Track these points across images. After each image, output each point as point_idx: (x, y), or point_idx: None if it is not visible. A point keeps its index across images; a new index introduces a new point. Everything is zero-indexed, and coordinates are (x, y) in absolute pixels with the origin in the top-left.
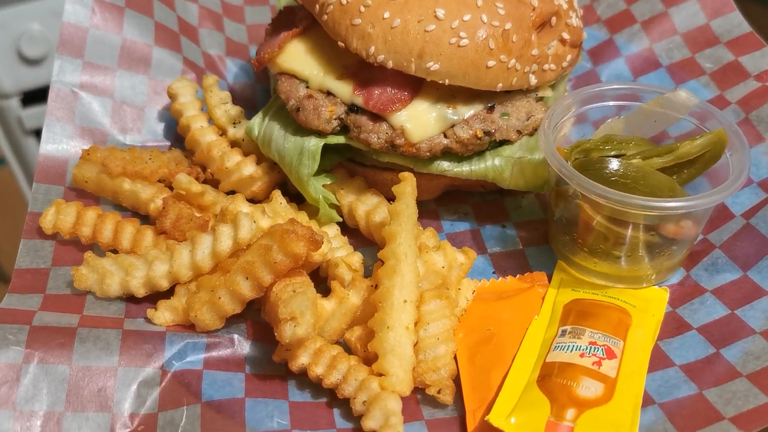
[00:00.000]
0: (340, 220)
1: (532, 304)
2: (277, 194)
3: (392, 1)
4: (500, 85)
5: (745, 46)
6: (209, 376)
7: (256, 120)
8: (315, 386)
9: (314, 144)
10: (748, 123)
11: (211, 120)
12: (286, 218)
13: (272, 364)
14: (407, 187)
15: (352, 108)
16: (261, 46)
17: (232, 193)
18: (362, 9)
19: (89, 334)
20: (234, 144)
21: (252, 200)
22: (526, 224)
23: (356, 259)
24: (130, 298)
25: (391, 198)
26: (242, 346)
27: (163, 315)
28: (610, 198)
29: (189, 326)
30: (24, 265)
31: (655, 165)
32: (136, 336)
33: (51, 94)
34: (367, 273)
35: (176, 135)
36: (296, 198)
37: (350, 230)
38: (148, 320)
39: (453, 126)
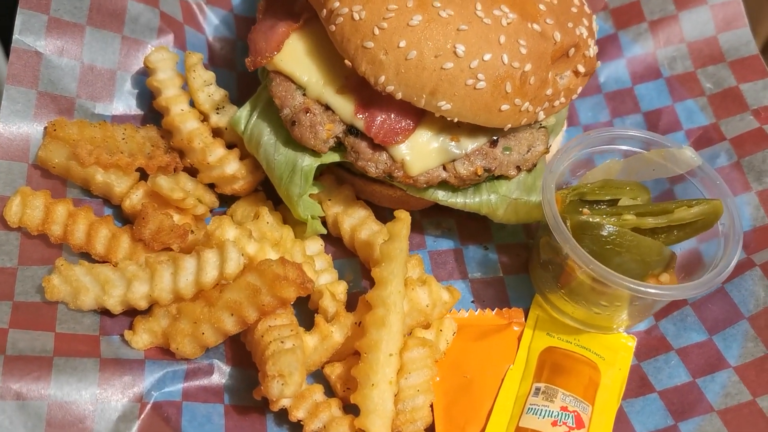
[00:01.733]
0: (325, 232)
1: (508, 348)
2: (264, 213)
3: (409, 27)
4: (509, 125)
5: (748, 71)
6: (189, 410)
7: (243, 113)
8: (293, 423)
9: (308, 164)
10: (739, 168)
11: (191, 99)
12: (272, 238)
13: (251, 393)
14: (402, 228)
15: (351, 129)
16: (255, 35)
17: (212, 185)
18: (376, 31)
19: (66, 365)
20: (216, 132)
21: (232, 196)
22: (508, 248)
23: (341, 288)
24: (105, 311)
25: (378, 209)
26: (221, 372)
27: (141, 338)
28: (600, 273)
29: (167, 349)
30: None
31: (648, 225)
32: (114, 366)
33: (12, 56)
34: (348, 288)
35: (151, 104)
36: (276, 195)
37: (333, 239)
38: (125, 339)
39: (454, 160)
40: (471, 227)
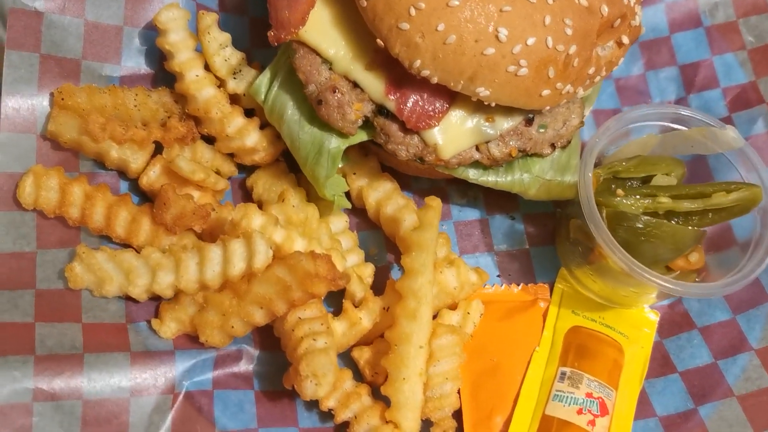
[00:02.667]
0: (350, 206)
1: (533, 328)
2: (289, 195)
3: (449, 8)
4: (548, 108)
5: None
6: (221, 399)
7: (263, 80)
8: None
9: (335, 147)
10: None
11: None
12: (298, 223)
13: (281, 377)
14: (434, 217)
15: (381, 110)
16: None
17: (231, 154)
18: (412, 12)
19: (97, 361)
20: (234, 98)
21: (252, 166)
22: (535, 218)
23: (368, 272)
24: (129, 296)
25: (403, 177)
26: (250, 357)
27: (169, 327)
28: (632, 269)
29: (195, 336)
30: (6, 248)
31: (683, 209)
32: (144, 358)
33: (10, 18)
34: (372, 261)
35: (161, 61)
36: (297, 165)
37: (356, 209)
38: (151, 326)
39: (488, 141)
40: (497, 196)
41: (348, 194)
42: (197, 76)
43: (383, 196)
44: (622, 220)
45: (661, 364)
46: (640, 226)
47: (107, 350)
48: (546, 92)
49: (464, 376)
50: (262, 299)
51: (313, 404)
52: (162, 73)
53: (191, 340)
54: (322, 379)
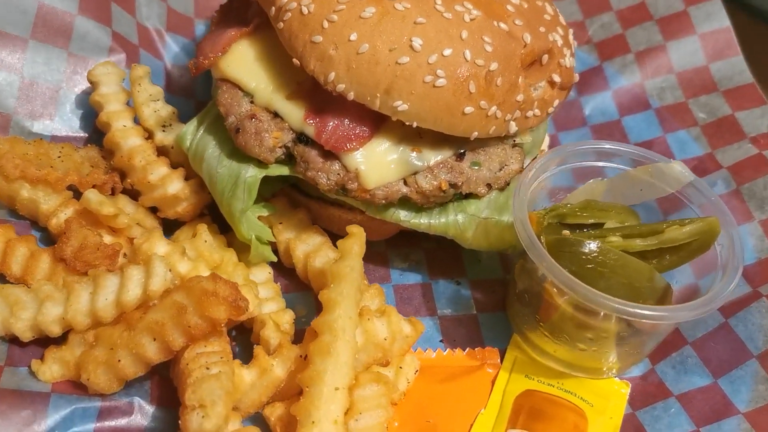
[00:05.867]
0: (275, 259)
1: (479, 391)
2: (202, 230)
3: (361, 19)
4: (476, 133)
5: (743, 99)
6: None
7: (189, 128)
8: None
9: (252, 176)
10: (738, 196)
11: (137, 117)
12: (210, 260)
13: None
14: (354, 245)
15: (301, 137)
16: (203, 42)
17: (154, 209)
18: (326, 24)
19: None
20: (161, 151)
21: (176, 221)
22: (483, 284)
23: (287, 318)
24: (15, 339)
25: (337, 236)
26: (144, 413)
27: (50, 369)
28: (580, 293)
29: (81, 383)
30: None
31: (636, 247)
32: (11, 397)
33: None
34: (300, 324)
35: (95, 126)
36: (225, 220)
37: (285, 270)
38: (32, 371)
39: (415, 173)
40: (442, 260)
41: (276, 251)
42: (124, 126)
43: (312, 249)
44: (564, 246)
45: None
46: (585, 250)
47: None
48: (469, 109)
49: None
50: (154, 326)
51: None
52: (95, 136)
53: (75, 386)
54: (210, 410)
